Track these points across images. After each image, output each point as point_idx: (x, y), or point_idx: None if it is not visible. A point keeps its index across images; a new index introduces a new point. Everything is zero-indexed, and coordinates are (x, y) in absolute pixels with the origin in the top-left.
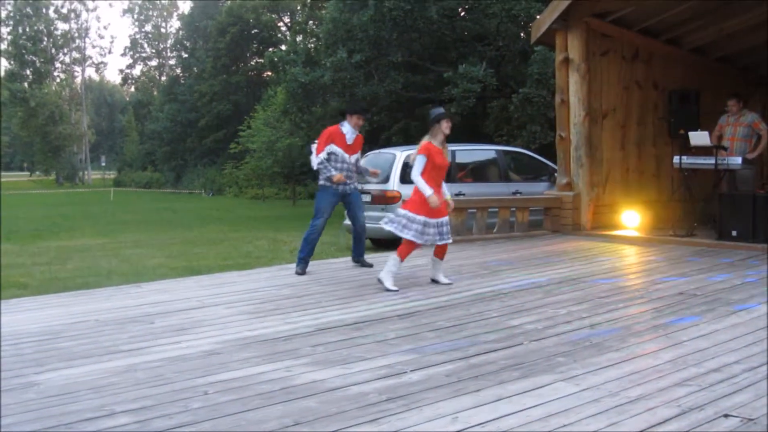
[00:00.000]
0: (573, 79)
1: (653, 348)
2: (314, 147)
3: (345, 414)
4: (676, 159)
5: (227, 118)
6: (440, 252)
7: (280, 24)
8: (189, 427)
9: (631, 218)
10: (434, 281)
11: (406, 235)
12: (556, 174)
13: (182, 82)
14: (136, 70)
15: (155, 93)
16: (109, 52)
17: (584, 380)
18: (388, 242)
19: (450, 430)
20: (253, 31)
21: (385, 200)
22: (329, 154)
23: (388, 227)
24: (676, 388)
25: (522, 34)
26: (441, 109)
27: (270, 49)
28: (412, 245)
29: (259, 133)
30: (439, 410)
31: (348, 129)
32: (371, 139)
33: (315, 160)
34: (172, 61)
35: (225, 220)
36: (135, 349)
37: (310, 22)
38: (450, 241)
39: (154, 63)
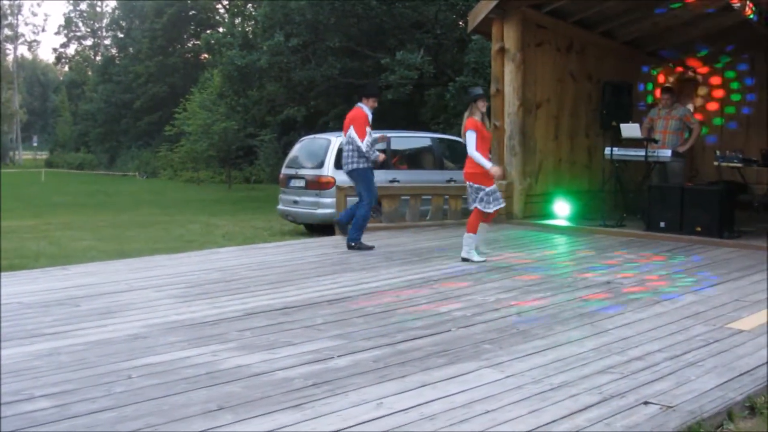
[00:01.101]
0: (508, 69)
1: (578, 336)
2: (353, 134)
3: (269, 399)
4: (607, 150)
5: (163, 100)
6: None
7: (219, 6)
8: (110, 412)
9: (563, 208)
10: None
11: (491, 207)
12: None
13: (117, 62)
14: (71, 50)
15: (90, 73)
16: (43, 30)
17: (509, 367)
18: (322, 227)
19: (374, 416)
20: (190, 13)
21: (318, 186)
22: (375, 139)
23: (487, 209)
24: (598, 375)
25: (461, 23)
26: (479, 90)
27: (207, 31)
28: (480, 216)
29: (194, 116)
30: (364, 396)
31: (368, 111)
32: (308, 124)
33: (364, 146)
34: (107, 41)
35: (158, 203)
36: (59, 332)
37: (249, 4)
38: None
39: (88, 42)
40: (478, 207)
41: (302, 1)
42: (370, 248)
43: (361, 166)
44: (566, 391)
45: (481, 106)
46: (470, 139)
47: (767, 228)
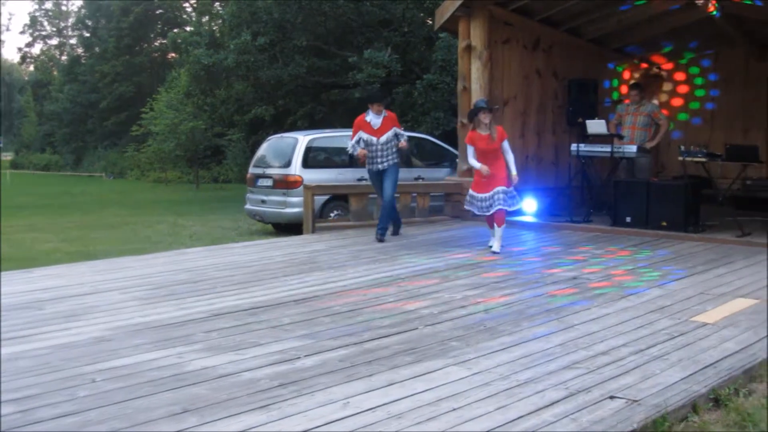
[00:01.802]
0: (475, 67)
1: (545, 332)
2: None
3: (235, 400)
4: (573, 147)
5: (129, 99)
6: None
7: (185, 5)
8: (74, 416)
9: (530, 205)
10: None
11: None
12: (457, 160)
13: (83, 62)
14: (36, 49)
15: (55, 73)
16: (7, 30)
17: (476, 364)
18: (290, 227)
19: (340, 415)
20: (157, 11)
21: (286, 185)
22: (359, 140)
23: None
24: (565, 371)
25: (428, 21)
26: (480, 103)
27: (174, 30)
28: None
29: (161, 116)
30: (331, 395)
31: (372, 116)
32: (276, 123)
33: (348, 146)
34: (73, 41)
35: (125, 204)
36: (22, 336)
37: (216, 3)
38: (500, 208)
39: (54, 42)
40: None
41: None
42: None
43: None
44: (533, 387)
45: (482, 117)
46: (467, 152)
47: (732, 222)
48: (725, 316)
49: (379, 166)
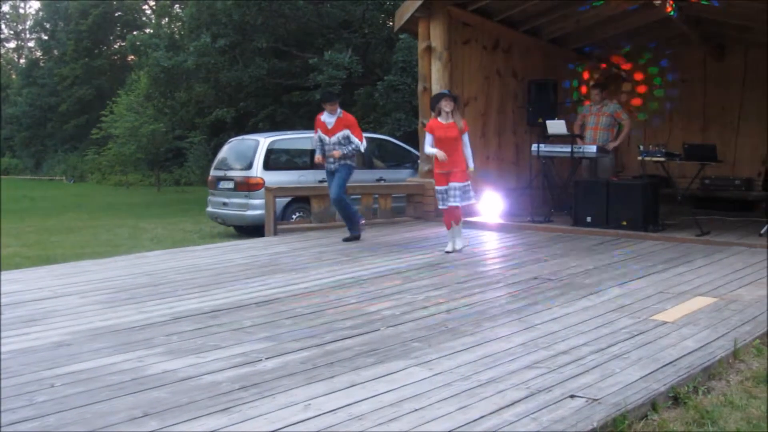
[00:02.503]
0: (435, 68)
1: (506, 332)
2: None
3: (196, 404)
4: (534, 147)
5: (89, 102)
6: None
7: (145, 7)
8: (33, 422)
9: (491, 205)
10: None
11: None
12: (418, 161)
13: (42, 65)
14: None
15: (13, 76)
16: None
17: (438, 365)
18: (252, 229)
19: (302, 417)
20: (116, 14)
21: (248, 187)
22: (318, 138)
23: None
24: (526, 370)
25: (389, 22)
26: (442, 92)
27: (133, 33)
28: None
29: (122, 119)
30: (292, 397)
31: (326, 115)
32: (238, 126)
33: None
34: (31, 43)
35: (85, 207)
36: None
37: (176, 5)
38: (454, 204)
39: (12, 45)
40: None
41: (229, 1)
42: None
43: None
44: (494, 387)
45: (444, 105)
46: (425, 140)
47: (691, 220)
48: (684, 315)
49: (331, 167)
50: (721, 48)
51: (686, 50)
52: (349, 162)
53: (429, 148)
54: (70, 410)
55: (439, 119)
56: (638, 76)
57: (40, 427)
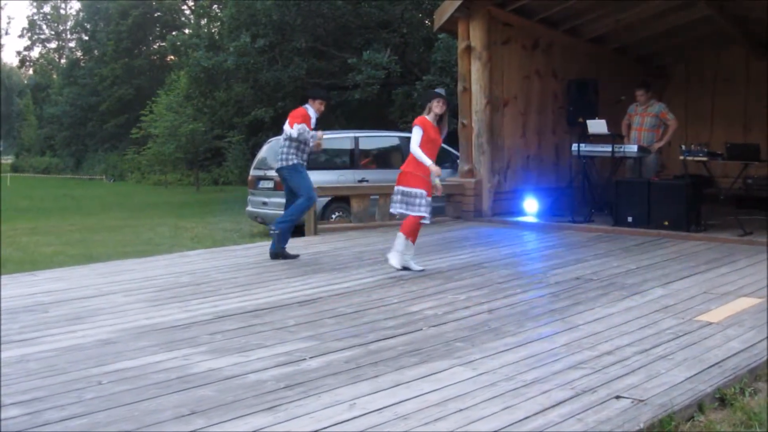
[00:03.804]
0: (475, 67)
1: (549, 332)
2: (286, 126)
3: (241, 402)
4: (574, 147)
5: (129, 102)
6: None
7: (184, 7)
8: (82, 418)
9: (531, 205)
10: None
11: (429, 219)
12: (458, 161)
13: (82, 65)
14: (35, 52)
15: (54, 76)
16: (6, 33)
17: (481, 365)
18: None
19: (347, 416)
20: (156, 14)
21: None
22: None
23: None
24: (570, 371)
25: (427, 22)
26: (437, 91)
27: (173, 33)
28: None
29: (161, 118)
30: (337, 396)
31: (312, 113)
32: (276, 126)
33: (295, 131)
34: (72, 44)
35: (126, 206)
36: (27, 339)
37: (215, 5)
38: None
39: (53, 45)
40: (423, 214)
41: (268, 1)
42: (295, 257)
43: (293, 162)
44: (538, 387)
45: (435, 106)
46: (415, 135)
47: (733, 221)
48: (729, 316)
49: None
50: (764, 47)
51: (728, 49)
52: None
53: (427, 160)
54: (119, 407)
55: (428, 118)
56: (680, 76)
57: (89, 424)
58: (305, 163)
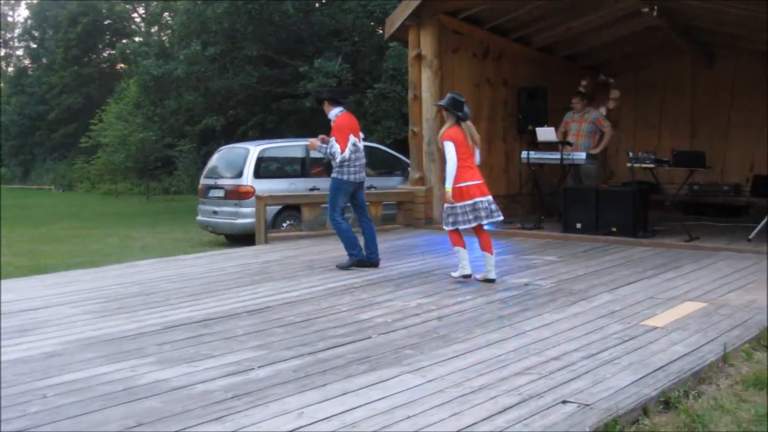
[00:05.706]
0: (425, 76)
1: (498, 338)
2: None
3: (189, 413)
4: (524, 154)
5: (78, 111)
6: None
7: (135, 15)
8: None
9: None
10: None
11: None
12: (409, 169)
13: (30, 73)
14: None
15: (1, 84)
16: None
17: (430, 371)
18: (242, 238)
19: (295, 426)
20: (106, 22)
21: (238, 195)
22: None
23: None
24: (517, 376)
25: (379, 30)
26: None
27: (123, 41)
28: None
29: (111, 127)
30: (285, 406)
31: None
32: (227, 134)
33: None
34: (19, 52)
35: (75, 216)
36: None
37: (165, 13)
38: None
39: (0, 53)
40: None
41: (219, 9)
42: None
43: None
44: (486, 394)
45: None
46: (449, 151)
47: (680, 226)
48: (674, 320)
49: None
50: (710, 56)
51: (675, 58)
52: (334, 174)
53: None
54: (64, 420)
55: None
56: (627, 84)
57: None
58: (344, 177)
